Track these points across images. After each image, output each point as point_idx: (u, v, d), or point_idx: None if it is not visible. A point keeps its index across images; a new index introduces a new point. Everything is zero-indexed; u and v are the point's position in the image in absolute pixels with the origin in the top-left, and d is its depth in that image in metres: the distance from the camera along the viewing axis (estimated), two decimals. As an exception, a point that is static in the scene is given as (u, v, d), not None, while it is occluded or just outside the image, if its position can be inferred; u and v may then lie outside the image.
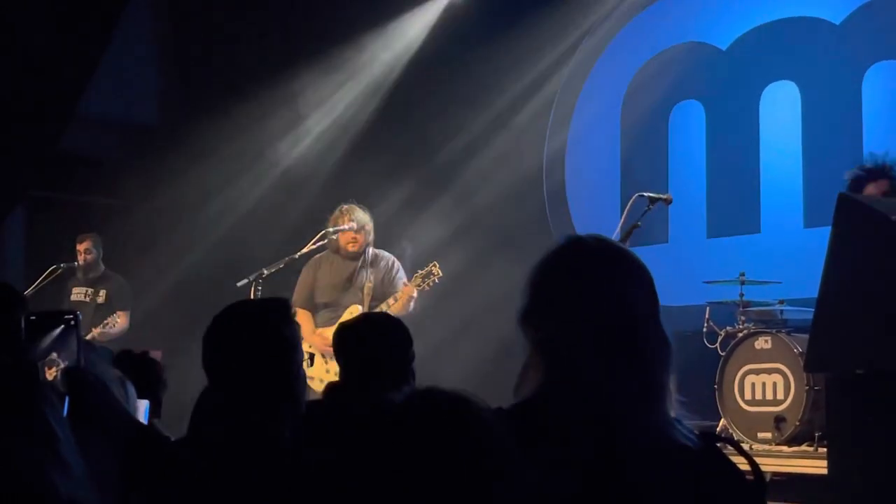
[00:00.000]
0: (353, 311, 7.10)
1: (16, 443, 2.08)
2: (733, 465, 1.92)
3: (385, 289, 7.30)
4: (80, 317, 2.71)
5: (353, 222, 7.31)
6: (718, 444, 1.95)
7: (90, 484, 2.32)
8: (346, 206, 7.42)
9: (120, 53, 9.54)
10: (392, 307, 6.99)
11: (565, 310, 1.93)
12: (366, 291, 7.25)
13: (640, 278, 1.98)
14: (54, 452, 2.06)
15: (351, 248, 7.35)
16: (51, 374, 2.68)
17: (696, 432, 1.93)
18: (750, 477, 1.96)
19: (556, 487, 1.73)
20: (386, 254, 7.53)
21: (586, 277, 1.95)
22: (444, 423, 1.51)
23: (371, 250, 7.44)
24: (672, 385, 1.97)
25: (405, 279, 7.32)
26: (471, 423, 1.52)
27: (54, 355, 2.62)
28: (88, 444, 2.34)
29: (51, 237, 9.02)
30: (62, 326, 2.63)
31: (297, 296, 7.42)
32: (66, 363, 2.58)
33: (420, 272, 7.18)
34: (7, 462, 2.08)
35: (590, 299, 1.93)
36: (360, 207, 7.45)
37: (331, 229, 7.33)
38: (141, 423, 2.81)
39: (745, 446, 6.79)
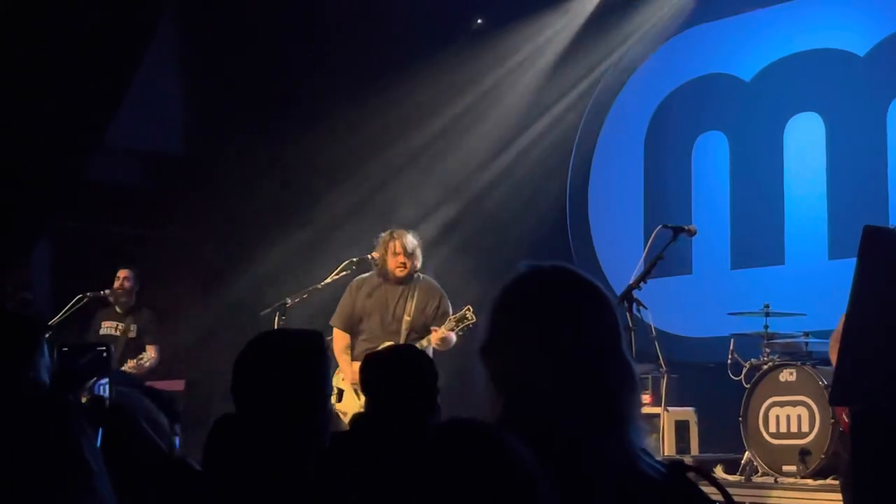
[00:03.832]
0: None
1: (51, 474, 2.11)
2: (703, 494, 1.90)
3: (426, 322, 6.94)
4: (113, 349, 2.75)
5: (400, 251, 6.94)
6: (688, 474, 1.91)
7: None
8: (395, 231, 7.07)
9: (147, 84, 9.62)
10: (426, 348, 6.62)
11: (525, 341, 1.89)
12: (404, 325, 6.92)
13: (601, 308, 1.94)
14: (88, 484, 2.08)
15: (399, 272, 6.97)
16: (84, 404, 2.72)
17: (665, 462, 1.92)
18: None
19: None
20: (434, 285, 7.14)
21: (546, 308, 1.91)
22: (479, 453, 1.52)
23: (420, 278, 7.08)
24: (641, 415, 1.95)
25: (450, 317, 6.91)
26: (505, 454, 1.52)
27: (88, 385, 2.66)
28: (121, 474, 2.36)
29: (78, 267, 9.05)
30: (94, 358, 2.67)
31: (339, 319, 7.12)
32: (98, 394, 2.61)
33: (454, 315, 6.82)
34: (42, 493, 2.10)
35: (549, 330, 1.89)
36: (410, 232, 7.12)
37: (355, 259, 7.21)
38: (171, 456, 2.83)
39: (770, 479, 6.77)
